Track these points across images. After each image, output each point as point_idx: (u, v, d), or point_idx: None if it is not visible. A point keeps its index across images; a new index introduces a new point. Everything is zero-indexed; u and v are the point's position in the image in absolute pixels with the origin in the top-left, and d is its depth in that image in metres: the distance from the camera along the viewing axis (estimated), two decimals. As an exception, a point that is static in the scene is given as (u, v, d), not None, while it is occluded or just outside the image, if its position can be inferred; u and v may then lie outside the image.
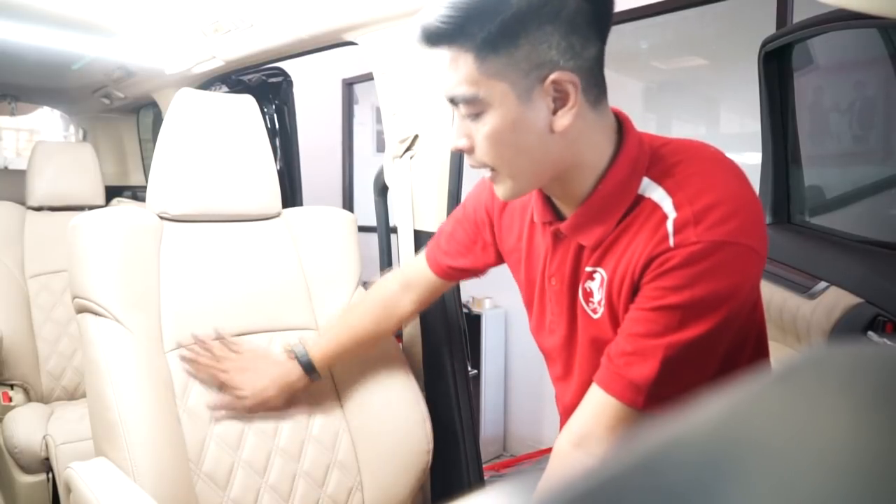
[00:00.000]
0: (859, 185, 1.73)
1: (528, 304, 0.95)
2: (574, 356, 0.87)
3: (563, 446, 0.77)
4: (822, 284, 1.37)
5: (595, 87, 0.73)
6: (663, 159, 0.74)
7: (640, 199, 0.74)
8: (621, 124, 0.78)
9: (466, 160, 0.78)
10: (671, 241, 0.69)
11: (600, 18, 0.70)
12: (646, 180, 0.74)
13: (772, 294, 1.56)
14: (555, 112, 0.71)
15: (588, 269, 0.80)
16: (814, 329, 1.39)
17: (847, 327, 1.27)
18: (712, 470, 0.17)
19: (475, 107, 0.71)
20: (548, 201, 0.83)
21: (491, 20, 0.67)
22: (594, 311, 0.80)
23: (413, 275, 1.13)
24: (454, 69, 0.70)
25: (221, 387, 1.11)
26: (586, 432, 0.74)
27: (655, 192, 0.72)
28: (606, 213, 0.75)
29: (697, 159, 0.73)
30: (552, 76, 0.69)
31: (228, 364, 1.12)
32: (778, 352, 1.50)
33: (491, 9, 0.67)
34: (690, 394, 0.74)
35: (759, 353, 0.84)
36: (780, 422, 0.18)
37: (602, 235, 0.76)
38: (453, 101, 0.73)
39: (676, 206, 0.70)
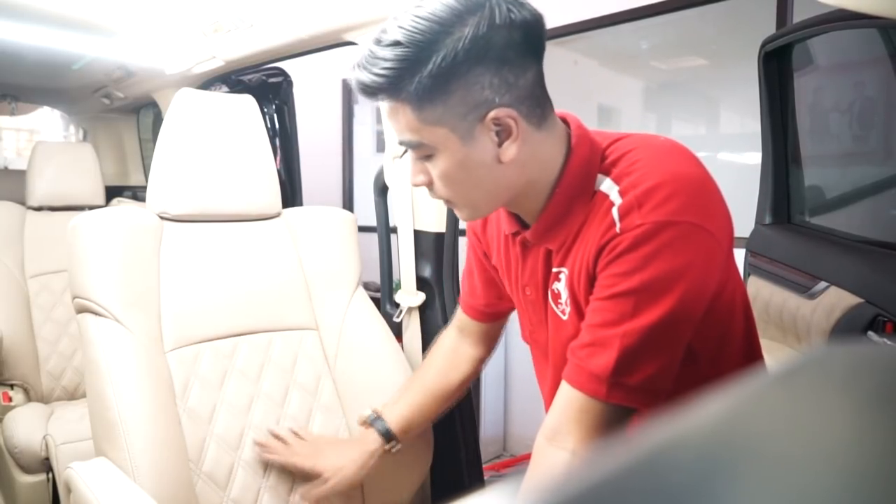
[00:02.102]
0: (859, 186, 1.73)
1: (519, 317, 0.97)
2: (552, 361, 0.88)
3: (539, 441, 0.78)
4: (822, 284, 1.37)
5: (538, 108, 0.74)
6: (614, 153, 0.76)
7: (594, 194, 0.76)
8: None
9: (428, 193, 0.80)
10: (618, 227, 0.70)
11: (532, 43, 0.71)
12: (599, 176, 0.76)
13: (772, 294, 1.56)
14: (500, 144, 0.73)
15: (554, 269, 0.82)
16: (814, 329, 1.39)
17: (847, 327, 1.27)
18: (713, 471, 0.17)
19: (422, 150, 0.75)
20: (513, 213, 0.85)
21: (421, 72, 0.68)
22: (563, 311, 0.81)
23: (462, 321, 1.12)
24: (395, 119, 0.73)
25: (301, 474, 1.11)
26: (556, 426, 0.76)
27: (605, 184, 0.74)
28: (567, 214, 0.77)
29: (644, 147, 0.75)
30: (490, 114, 0.71)
31: (303, 451, 1.11)
32: (778, 352, 1.50)
33: (420, 61, 0.68)
34: (656, 382, 0.75)
35: (750, 357, 0.84)
36: (780, 422, 0.18)
37: (567, 236, 0.78)
38: (402, 145, 0.76)
39: (622, 193, 0.71)
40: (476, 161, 0.74)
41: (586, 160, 0.76)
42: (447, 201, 0.80)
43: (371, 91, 0.71)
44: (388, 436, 1.10)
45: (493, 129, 0.72)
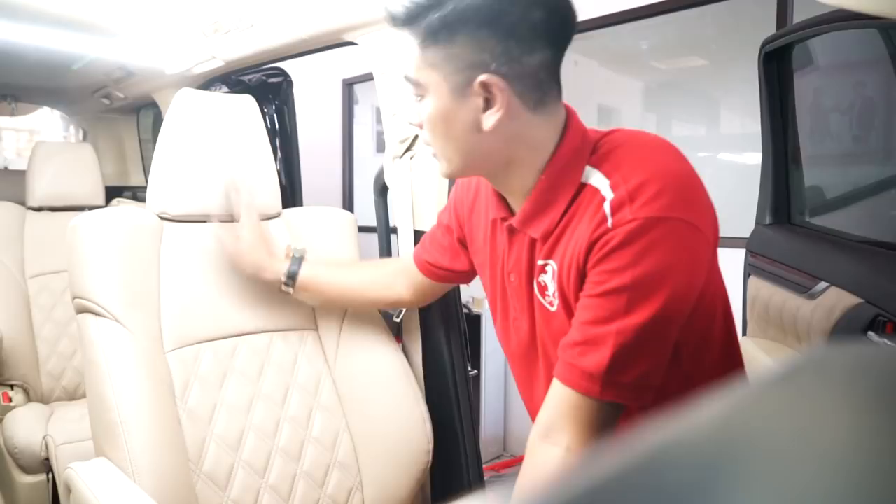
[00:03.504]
0: (859, 186, 1.73)
1: (493, 306, 0.96)
2: (537, 354, 0.88)
3: (532, 440, 0.78)
4: (822, 284, 1.37)
5: (537, 91, 0.75)
6: (604, 146, 0.77)
7: (583, 187, 0.76)
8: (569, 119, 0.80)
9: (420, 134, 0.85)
10: (609, 222, 0.71)
11: (552, 27, 0.72)
12: (588, 168, 0.76)
13: (772, 294, 1.56)
14: (484, 111, 0.75)
15: (540, 262, 0.82)
16: (814, 329, 1.38)
17: (847, 327, 1.27)
18: (712, 470, 0.17)
19: (418, 90, 0.78)
20: (501, 198, 0.86)
21: (434, 13, 0.72)
22: (551, 304, 0.82)
23: (407, 264, 1.15)
24: (407, 51, 0.77)
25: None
26: (550, 424, 0.76)
27: (594, 177, 0.75)
28: (551, 203, 0.78)
29: (634, 143, 0.76)
30: (480, 78, 0.72)
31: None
32: (778, 352, 1.50)
33: (438, 4, 0.71)
34: (648, 379, 0.76)
35: (729, 358, 0.85)
36: (780, 422, 0.18)
37: (550, 226, 0.79)
38: (405, 80, 0.80)
39: (613, 188, 0.72)
40: (459, 119, 0.76)
41: (576, 148, 0.77)
42: (434, 154, 0.83)
43: (394, 18, 0.76)
44: (291, 276, 1.16)
45: (480, 93, 0.73)
